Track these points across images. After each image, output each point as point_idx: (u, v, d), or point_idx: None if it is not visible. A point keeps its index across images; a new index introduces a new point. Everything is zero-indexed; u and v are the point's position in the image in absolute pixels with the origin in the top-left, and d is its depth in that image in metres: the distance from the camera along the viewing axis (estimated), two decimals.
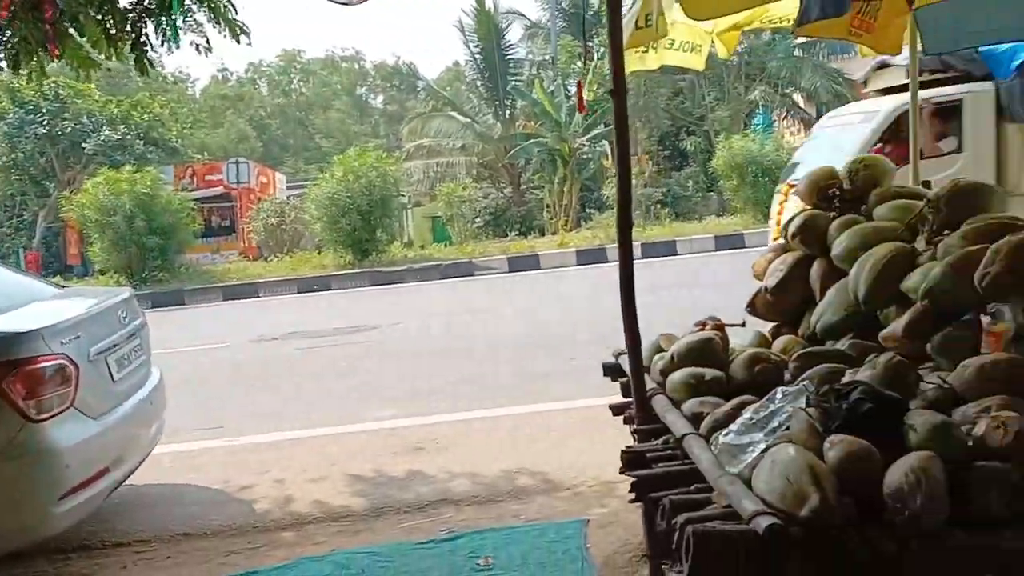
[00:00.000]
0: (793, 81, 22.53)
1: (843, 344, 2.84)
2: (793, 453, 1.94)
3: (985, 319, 2.21)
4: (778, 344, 3.11)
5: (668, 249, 14.63)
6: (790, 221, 3.35)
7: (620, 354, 3.59)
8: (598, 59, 17.38)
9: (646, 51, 4.29)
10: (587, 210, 21.66)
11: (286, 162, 39.72)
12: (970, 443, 1.87)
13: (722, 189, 18.61)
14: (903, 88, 6.71)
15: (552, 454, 4.67)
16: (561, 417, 5.42)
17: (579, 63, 23.59)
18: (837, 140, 8.38)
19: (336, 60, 47.50)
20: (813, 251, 3.22)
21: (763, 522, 1.77)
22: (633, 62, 3.65)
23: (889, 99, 8.08)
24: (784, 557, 1.79)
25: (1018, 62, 6.97)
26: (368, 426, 5.66)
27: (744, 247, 14.02)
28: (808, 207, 3.40)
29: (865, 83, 8.43)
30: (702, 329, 3.12)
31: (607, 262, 13.36)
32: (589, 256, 14.76)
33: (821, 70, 22.51)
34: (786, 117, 23.70)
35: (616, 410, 3.29)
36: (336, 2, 4.34)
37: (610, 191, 18.38)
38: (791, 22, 4.74)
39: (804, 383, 2.26)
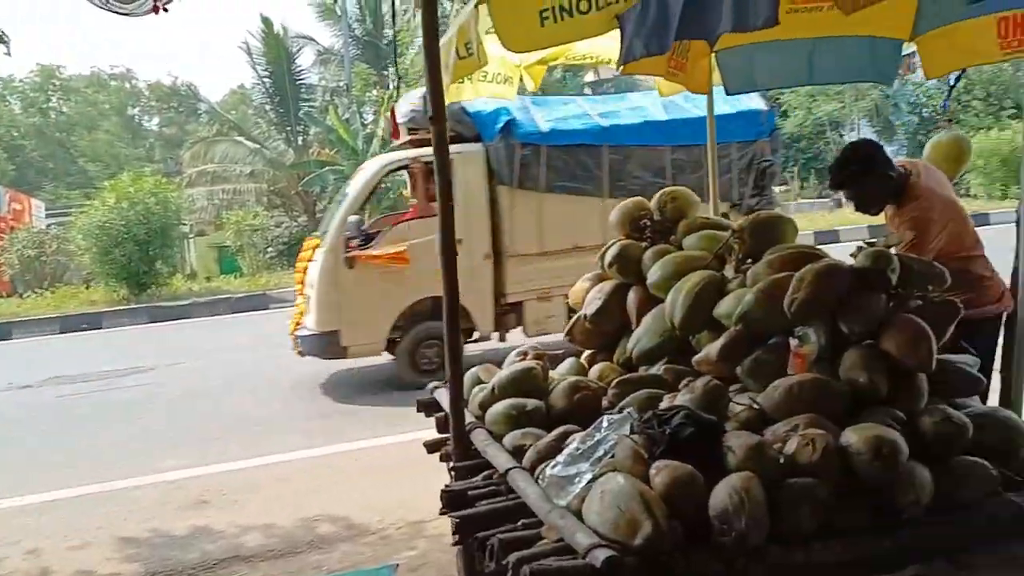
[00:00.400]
0: None
1: (658, 368, 2.96)
2: (623, 481, 1.96)
3: (793, 342, 2.37)
4: (595, 371, 3.19)
5: None
6: (606, 250, 3.47)
7: (435, 388, 3.52)
8: (406, 86, 17.41)
9: (462, 82, 4.31)
10: None
11: (44, 187, 36.08)
12: (782, 461, 1.98)
13: None
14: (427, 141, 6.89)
15: (354, 497, 4.50)
16: (361, 457, 5.26)
17: (374, 91, 23.64)
18: (344, 192, 8.16)
19: (103, 78, 43.95)
20: (629, 279, 3.35)
21: (600, 555, 1.76)
22: (451, 93, 3.65)
23: (392, 155, 8.08)
24: None
25: (500, 125, 7.31)
26: (142, 480, 5.16)
27: None
28: (622, 237, 3.54)
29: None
30: (523, 359, 3.13)
31: None
32: None
33: None
34: None
35: (431, 447, 3.21)
36: (116, 12, 3.99)
37: None
38: (595, 59, 5.01)
39: (628, 410, 2.31)
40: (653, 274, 3.17)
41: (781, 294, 2.44)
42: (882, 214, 3.45)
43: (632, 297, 3.32)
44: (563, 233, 7.50)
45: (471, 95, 4.68)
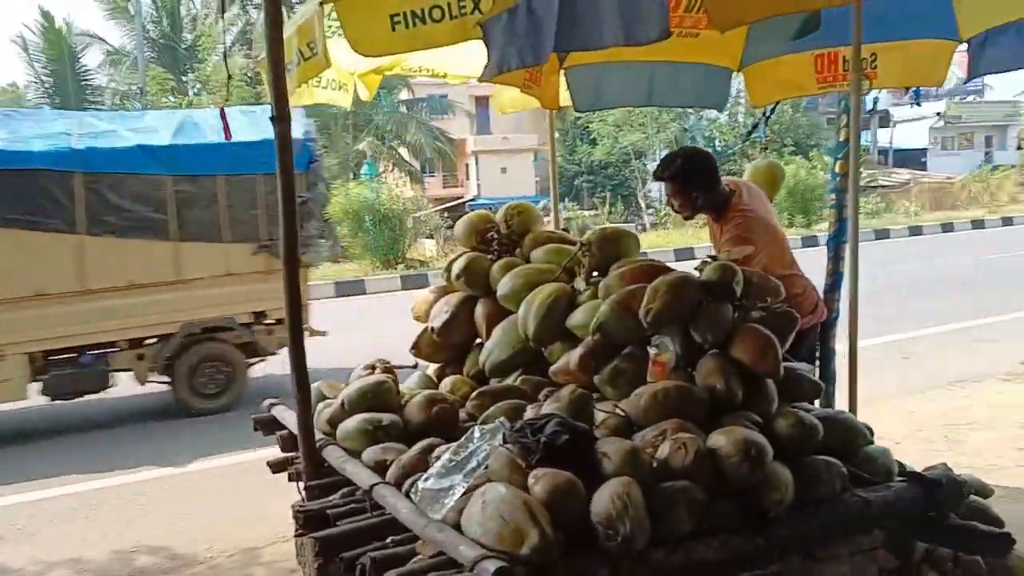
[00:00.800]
0: (399, 135, 24.11)
1: (513, 380, 3.01)
2: (504, 491, 1.96)
3: (652, 350, 2.49)
4: (446, 384, 3.18)
5: None
6: (452, 262, 3.48)
7: (273, 405, 3.36)
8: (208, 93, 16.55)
9: (299, 86, 4.18)
10: None
11: None
12: (655, 465, 2.07)
13: (337, 235, 18.88)
14: None
15: (177, 525, 4.18)
16: (181, 481, 4.92)
17: (171, 96, 22.33)
18: None
19: None
20: (477, 292, 3.37)
21: (489, 567, 1.74)
22: (292, 97, 3.51)
23: None
24: None
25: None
26: None
27: (366, 293, 14.49)
28: (467, 249, 3.56)
29: None
30: (371, 373, 3.05)
31: None
32: None
33: (424, 127, 24.47)
34: (393, 169, 25.08)
35: (276, 466, 3.05)
36: None
37: None
38: (431, 72, 5.02)
39: (500, 420, 2.31)
40: (503, 286, 3.22)
41: (635, 305, 2.55)
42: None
43: (481, 309, 3.36)
44: (15, 278, 6.16)
45: (308, 99, 4.53)
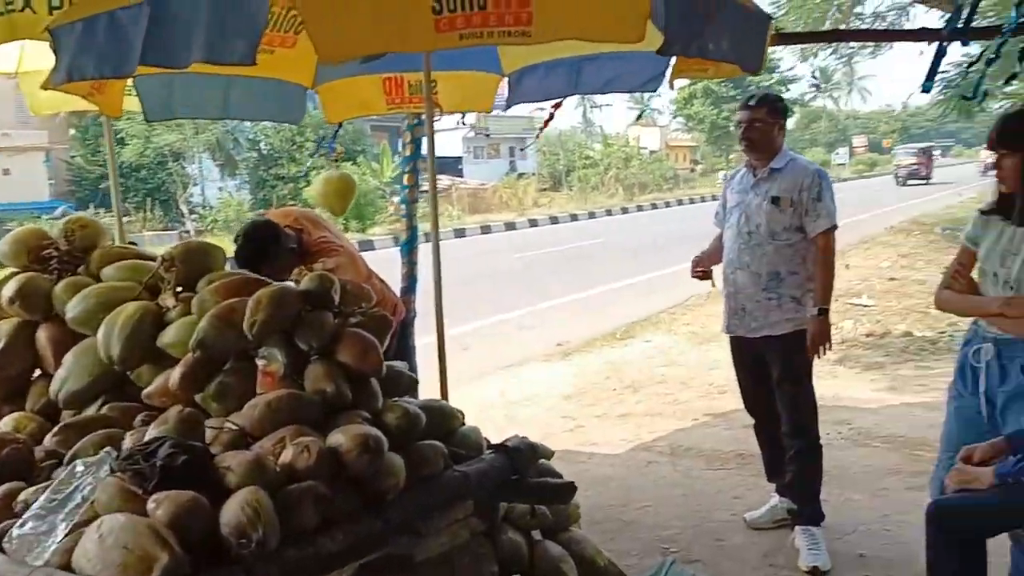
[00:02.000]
0: None
1: (98, 410, 2.88)
2: (123, 520, 1.96)
3: (260, 362, 2.61)
4: (6, 423, 2.92)
5: None
6: (1, 285, 3.18)
7: None
8: None
9: None
10: None
11: None
12: (279, 470, 2.23)
13: None
14: None
15: None
16: None
17: None
18: None
19: None
20: (36, 316, 3.14)
21: None
22: None
23: None
24: None
25: None
26: None
27: None
28: (18, 269, 3.28)
29: None
30: None
31: None
32: None
33: None
34: None
35: None
36: None
37: None
38: None
39: (106, 450, 2.26)
40: (73, 308, 3.04)
41: (236, 318, 2.66)
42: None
43: (44, 335, 3.12)
44: None
45: None
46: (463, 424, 2.84)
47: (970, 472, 2.68)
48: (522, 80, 4.45)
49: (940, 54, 3.70)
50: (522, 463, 2.75)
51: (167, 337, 2.87)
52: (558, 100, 4.91)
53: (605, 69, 4.17)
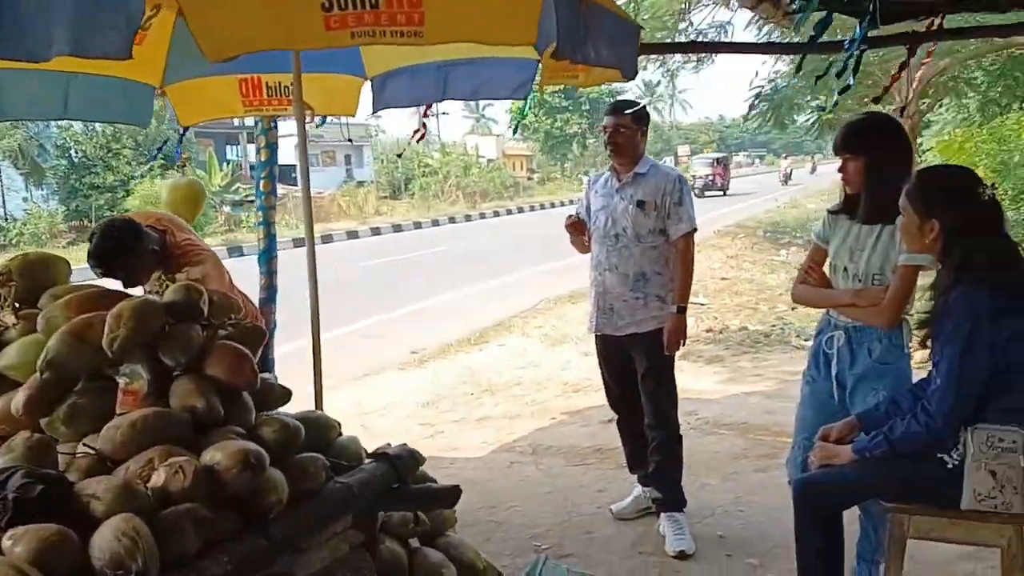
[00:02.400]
0: None
1: None
2: None
3: (121, 380, 2.43)
4: None
5: None
6: None
7: None
8: None
9: None
10: None
11: None
12: (151, 495, 2.08)
13: None
14: None
15: None
16: None
17: None
18: None
19: None
20: None
21: None
22: None
23: None
24: None
25: None
26: None
27: None
28: None
29: None
30: None
31: None
32: None
33: None
34: None
35: None
36: None
37: None
38: None
39: None
40: None
41: (92, 334, 2.47)
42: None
43: None
44: None
45: None
46: (340, 434, 2.77)
47: (831, 449, 2.90)
48: (386, 85, 4.38)
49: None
50: (404, 470, 2.71)
51: (7, 358, 2.65)
52: (426, 107, 4.87)
53: (473, 75, 4.16)
